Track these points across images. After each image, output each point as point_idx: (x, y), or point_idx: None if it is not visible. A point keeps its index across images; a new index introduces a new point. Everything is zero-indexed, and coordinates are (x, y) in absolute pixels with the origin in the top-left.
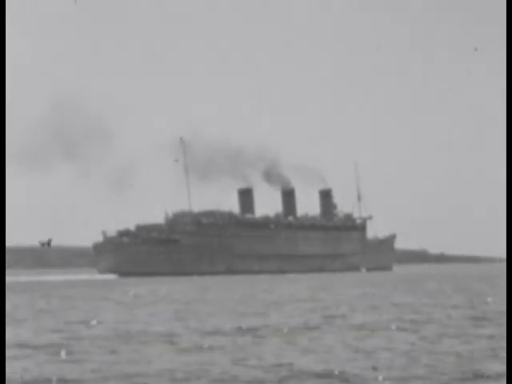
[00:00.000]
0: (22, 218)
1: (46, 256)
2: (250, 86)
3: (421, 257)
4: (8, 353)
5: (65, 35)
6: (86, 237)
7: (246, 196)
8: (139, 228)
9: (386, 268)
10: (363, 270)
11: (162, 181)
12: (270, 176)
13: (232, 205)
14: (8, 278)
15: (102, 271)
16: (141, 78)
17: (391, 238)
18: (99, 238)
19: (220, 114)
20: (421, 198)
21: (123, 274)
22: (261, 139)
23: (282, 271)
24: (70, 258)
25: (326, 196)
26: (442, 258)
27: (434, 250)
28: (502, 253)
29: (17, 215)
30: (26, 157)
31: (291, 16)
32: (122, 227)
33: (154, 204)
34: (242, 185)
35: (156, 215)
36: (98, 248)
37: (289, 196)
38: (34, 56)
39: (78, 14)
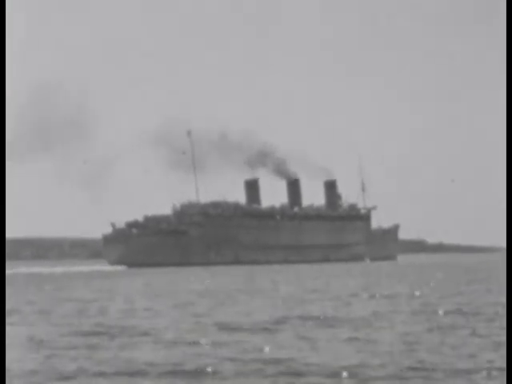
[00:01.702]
0: (16, 208)
1: (42, 247)
2: (250, 78)
3: (419, 246)
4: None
5: (46, 25)
6: (86, 229)
7: (252, 187)
8: (148, 219)
9: (390, 258)
10: (367, 260)
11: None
12: (266, 162)
13: (238, 196)
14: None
15: (112, 262)
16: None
17: (395, 228)
18: (99, 231)
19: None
20: (419, 189)
21: (133, 264)
22: (262, 130)
23: (287, 261)
24: (70, 249)
25: (330, 187)
26: (440, 248)
27: (432, 239)
28: (503, 242)
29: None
30: (21, 145)
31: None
32: (120, 219)
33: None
34: (246, 175)
35: (158, 207)
36: (107, 239)
37: (294, 187)
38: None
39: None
